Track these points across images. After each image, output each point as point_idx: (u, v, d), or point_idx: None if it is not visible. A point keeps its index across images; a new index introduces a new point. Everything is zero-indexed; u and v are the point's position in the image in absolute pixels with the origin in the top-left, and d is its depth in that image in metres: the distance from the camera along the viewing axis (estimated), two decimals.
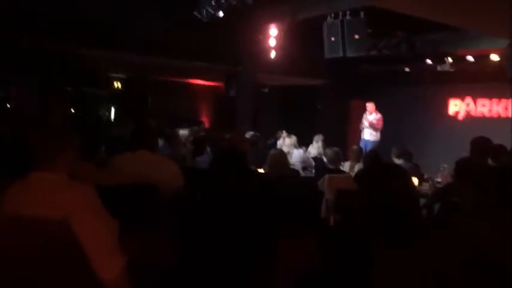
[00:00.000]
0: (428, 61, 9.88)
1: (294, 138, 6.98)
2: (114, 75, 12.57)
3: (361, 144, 9.53)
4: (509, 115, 10.41)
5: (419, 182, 5.66)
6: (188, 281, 2.27)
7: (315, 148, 7.04)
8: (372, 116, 9.63)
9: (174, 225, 2.68)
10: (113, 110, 12.86)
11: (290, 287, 2.27)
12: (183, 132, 6.65)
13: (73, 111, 11.35)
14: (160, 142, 5.78)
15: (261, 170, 5.00)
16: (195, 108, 13.86)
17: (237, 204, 2.22)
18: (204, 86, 13.84)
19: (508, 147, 5.09)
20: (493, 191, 1.55)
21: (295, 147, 6.88)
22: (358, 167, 6.40)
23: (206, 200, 2.29)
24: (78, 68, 10.50)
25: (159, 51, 8.73)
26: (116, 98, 12.76)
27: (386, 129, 9.79)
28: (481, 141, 4.55)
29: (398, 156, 6.33)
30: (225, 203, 2.23)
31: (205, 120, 13.42)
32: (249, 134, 6.56)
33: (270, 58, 9.66)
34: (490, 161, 4.52)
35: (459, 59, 9.42)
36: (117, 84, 12.78)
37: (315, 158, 6.68)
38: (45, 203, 1.85)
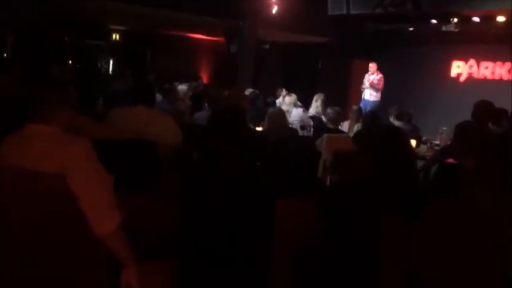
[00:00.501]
0: (434, 21, 9.66)
1: (293, 97, 6.91)
2: (114, 26, 12.34)
3: (362, 105, 9.48)
4: None
5: (417, 144, 5.66)
6: (185, 240, 2.29)
7: (313, 107, 6.98)
8: (373, 76, 9.53)
9: (172, 183, 2.69)
10: (111, 62, 12.70)
11: (289, 250, 2.29)
12: (182, 87, 6.58)
13: (71, 62, 11.21)
14: (159, 97, 5.73)
15: (259, 128, 4.99)
16: (195, 63, 13.68)
17: (234, 163, 2.22)
18: (204, 41, 13.61)
19: (509, 110, 5.07)
20: (494, 156, 1.53)
21: (295, 106, 6.83)
22: (357, 127, 6.38)
23: (203, 158, 2.28)
24: (77, 18, 10.29)
25: (160, 3, 8.52)
26: (114, 50, 12.57)
27: (387, 90, 9.71)
28: (484, 104, 4.50)
29: (397, 118, 6.29)
30: (222, 163, 2.22)
31: (205, 76, 13.28)
32: (248, 92, 6.49)
33: (272, 13, 9.46)
34: (490, 125, 4.51)
35: (465, 20, 9.20)
36: (116, 36, 12.56)
37: (313, 117, 6.64)
38: (40, 156, 1.84)
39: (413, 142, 5.50)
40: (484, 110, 4.44)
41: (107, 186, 1.86)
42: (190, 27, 11.63)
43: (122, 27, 12.45)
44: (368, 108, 8.72)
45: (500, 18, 8.47)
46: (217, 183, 2.20)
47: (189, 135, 3.42)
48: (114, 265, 1.96)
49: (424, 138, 6.13)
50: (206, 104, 5.56)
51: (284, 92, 8.88)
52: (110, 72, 12.49)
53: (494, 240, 1.47)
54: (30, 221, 1.84)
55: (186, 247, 2.26)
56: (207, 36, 13.22)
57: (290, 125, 5.73)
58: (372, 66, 9.59)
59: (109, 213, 1.84)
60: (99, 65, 12.47)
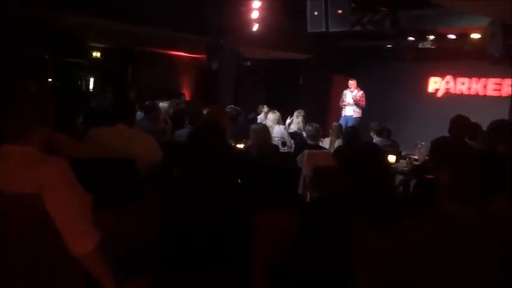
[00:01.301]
0: (411, 38, 9.89)
1: (277, 114, 6.98)
2: (94, 44, 12.31)
3: (342, 121, 9.59)
4: (488, 93, 10.58)
5: (397, 159, 5.73)
6: (166, 256, 2.29)
7: (294, 124, 7.05)
8: (354, 92, 9.65)
9: (152, 200, 2.68)
10: (91, 80, 12.63)
11: (267, 263, 2.30)
12: (163, 105, 6.58)
13: (50, 80, 11.12)
14: (140, 114, 5.72)
15: (240, 145, 5.01)
16: (177, 80, 13.70)
17: (214, 180, 2.23)
18: (186, 58, 13.65)
19: (485, 125, 5.17)
20: (467, 171, 1.58)
21: (278, 123, 6.89)
22: (338, 143, 6.45)
23: (182, 175, 2.28)
24: (57, 36, 10.24)
25: (141, 20, 8.55)
26: (95, 67, 12.52)
27: (366, 106, 9.86)
28: (460, 120, 4.62)
29: (377, 133, 6.38)
30: (201, 180, 2.23)
31: (187, 93, 13.29)
32: (229, 108, 6.52)
33: (253, 31, 9.56)
34: (467, 140, 4.60)
35: (440, 37, 9.45)
36: (97, 54, 12.52)
37: (294, 134, 6.69)
38: (16, 177, 1.82)
39: (392, 157, 5.59)
40: (460, 125, 4.55)
41: (83, 206, 1.85)
42: (171, 44, 11.66)
43: (102, 45, 12.42)
44: (350, 124, 8.83)
45: (475, 35, 8.70)
46: (196, 200, 2.20)
47: (170, 153, 3.42)
48: (93, 285, 1.95)
49: (403, 153, 6.22)
50: (187, 122, 5.57)
51: (265, 108, 8.95)
52: (90, 90, 12.42)
53: (465, 250, 1.51)
54: (6, 241, 1.82)
55: (166, 263, 2.26)
56: (189, 53, 13.27)
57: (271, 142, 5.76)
58: (352, 82, 9.73)
59: (85, 234, 1.82)
60: (79, 82, 12.39)
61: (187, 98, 12.49)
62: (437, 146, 2.88)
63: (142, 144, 3.36)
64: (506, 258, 1.58)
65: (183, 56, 13.52)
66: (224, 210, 2.21)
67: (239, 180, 2.67)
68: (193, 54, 13.15)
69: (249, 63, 12.02)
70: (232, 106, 6.83)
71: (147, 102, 6.22)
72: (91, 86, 12.64)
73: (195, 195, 2.24)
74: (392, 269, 1.64)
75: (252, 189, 2.88)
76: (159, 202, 2.41)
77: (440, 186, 1.66)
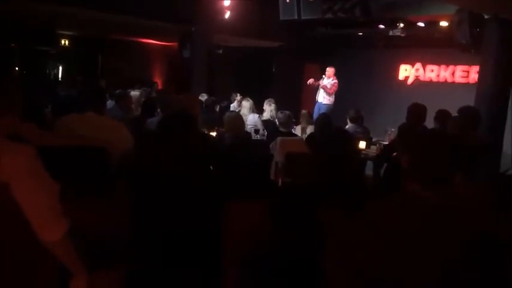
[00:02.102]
0: (381, 26, 10.00)
1: (251, 102, 6.99)
2: (63, 32, 12.03)
3: (315, 108, 9.65)
4: (456, 80, 10.82)
5: (368, 145, 5.82)
6: (137, 246, 2.28)
7: (267, 112, 7.07)
8: (328, 80, 9.67)
9: (123, 189, 2.66)
10: (60, 68, 12.37)
11: (240, 251, 2.31)
12: (135, 93, 6.50)
13: (18, 68, 10.85)
14: (111, 103, 5.64)
15: (213, 133, 5.00)
16: (148, 68, 13.54)
17: (184, 168, 2.22)
18: (157, 46, 13.49)
19: (454, 112, 5.30)
20: (424, 154, 1.63)
21: (252, 111, 6.90)
22: (309, 129, 6.51)
23: (153, 163, 2.27)
24: (23, 23, 9.96)
25: (111, 8, 8.38)
26: (64, 56, 12.26)
27: (337, 92, 9.93)
28: (416, 108, 4.83)
29: (351, 120, 6.45)
30: (172, 168, 2.22)
31: (159, 82, 13.15)
32: (202, 96, 6.50)
33: (225, 18, 9.51)
34: (437, 126, 4.72)
35: (410, 25, 9.59)
36: (66, 42, 12.26)
37: (267, 121, 6.72)
38: None
39: (363, 143, 5.68)
40: (417, 112, 4.78)
41: (51, 195, 1.83)
42: (142, 32, 11.50)
43: (71, 33, 12.15)
44: (322, 111, 8.88)
45: (443, 23, 8.86)
46: (167, 188, 2.19)
47: (141, 141, 3.39)
48: (65, 275, 1.93)
49: (373, 140, 6.31)
50: (158, 110, 5.52)
51: (239, 96, 8.93)
52: (59, 79, 12.16)
53: (429, 231, 1.56)
54: None
55: (138, 253, 2.25)
56: (160, 41, 13.11)
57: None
58: (329, 70, 9.67)
59: (54, 222, 1.81)
60: (47, 71, 12.12)
61: (160, 86, 12.37)
62: (402, 132, 2.95)
63: (113, 132, 3.32)
64: (468, 238, 1.64)
65: (154, 44, 13.35)
66: (196, 198, 2.21)
67: (211, 168, 2.67)
68: (165, 42, 13.00)
69: (221, 51, 11.97)
70: (205, 94, 6.80)
71: (117, 91, 6.13)
72: (60, 75, 12.38)
73: (166, 185, 2.24)
74: (361, 255, 1.68)
75: (224, 176, 2.89)
76: (129, 192, 2.39)
77: (403, 170, 1.70)
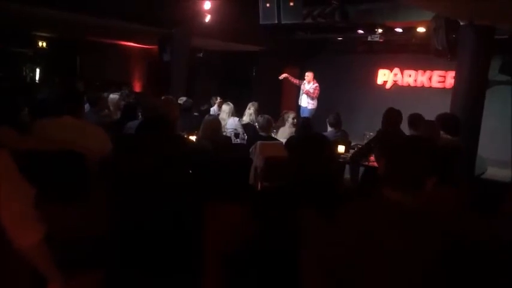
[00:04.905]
0: (360, 31, 10.13)
1: (231, 106, 6.99)
2: (40, 33, 11.86)
3: (300, 112, 9.71)
4: (433, 85, 11.02)
5: (346, 149, 5.88)
6: (115, 249, 2.26)
7: (247, 115, 7.08)
8: (309, 85, 9.74)
9: (101, 192, 2.64)
10: (37, 70, 12.19)
11: (220, 254, 2.32)
12: (113, 96, 6.43)
13: None
14: (88, 107, 5.58)
15: (192, 137, 4.99)
16: (128, 71, 13.44)
17: (163, 172, 2.22)
18: (137, 48, 13.40)
19: (428, 116, 5.40)
20: (402, 158, 1.67)
21: (232, 114, 6.89)
22: (290, 133, 6.53)
23: (131, 167, 2.26)
24: (0, 24, 9.80)
25: (90, 10, 8.30)
26: (41, 58, 12.08)
27: (318, 97, 10.01)
28: (390, 113, 4.95)
29: (330, 124, 6.50)
30: (150, 172, 2.22)
31: (138, 85, 13.06)
32: (181, 100, 6.47)
33: (205, 22, 9.50)
34: (411, 131, 4.80)
35: (388, 30, 9.74)
36: (43, 44, 12.08)
37: (247, 125, 6.73)
38: None
39: (341, 147, 5.73)
40: (391, 117, 4.88)
41: (26, 199, 1.80)
42: (121, 35, 11.41)
43: (48, 34, 11.98)
44: (305, 115, 8.95)
45: (421, 29, 9.02)
46: (145, 191, 2.19)
47: (119, 145, 3.37)
48: (40, 281, 1.91)
49: (352, 144, 6.37)
50: (140, 114, 5.48)
51: (218, 99, 8.93)
52: (36, 81, 11.98)
53: (404, 235, 1.59)
54: None
55: (116, 255, 2.24)
56: (140, 44, 13.03)
57: (224, 133, 5.78)
58: (309, 75, 9.76)
59: (29, 226, 1.78)
60: (23, 73, 11.92)
61: (139, 89, 12.28)
62: (378, 136, 2.99)
63: (91, 136, 3.29)
64: (440, 241, 1.67)
65: (134, 46, 13.26)
66: (174, 201, 2.21)
67: (189, 171, 2.67)
68: (144, 45, 12.92)
69: (201, 55, 11.95)
70: (184, 98, 6.78)
71: (93, 94, 6.07)
72: (37, 77, 12.19)
73: (144, 188, 2.23)
74: (333, 256, 1.70)
75: (203, 180, 2.89)
76: (107, 196, 2.38)
77: (380, 175, 1.74)
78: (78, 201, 2.68)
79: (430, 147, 1.68)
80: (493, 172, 6.09)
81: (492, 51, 6.57)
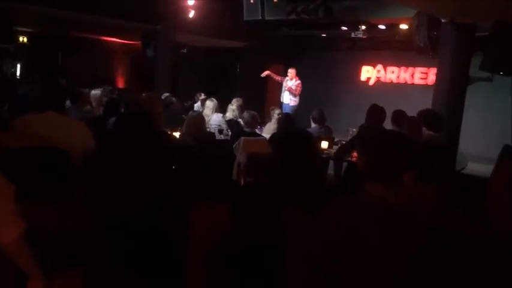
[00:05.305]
0: (344, 27, 10.18)
1: (214, 102, 6.98)
2: (21, 28, 11.67)
3: (282, 108, 9.73)
4: (415, 82, 11.14)
5: (330, 145, 5.92)
6: (97, 246, 2.25)
7: (230, 111, 7.08)
8: (292, 81, 9.76)
9: (85, 189, 2.63)
10: (18, 66, 12.00)
11: (204, 251, 2.32)
12: (95, 92, 6.38)
13: None
14: (69, 102, 5.52)
15: (176, 133, 4.98)
16: (111, 67, 13.31)
17: (146, 169, 2.22)
18: (120, 44, 13.28)
19: (411, 112, 5.46)
20: (379, 153, 1.69)
21: (216, 111, 6.89)
22: (274, 129, 6.55)
23: (114, 163, 2.25)
24: None
25: (72, 5, 8.19)
26: (22, 53, 11.89)
27: (302, 93, 10.05)
28: (373, 109, 5.01)
29: (314, 120, 6.53)
30: (134, 169, 2.21)
31: (122, 81, 12.96)
32: (164, 96, 6.45)
33: (189, 18, 9.46)
34: (394, 127, 4.85)
35: (372, 27, 9.81)
36: (24, 39, 11.90)
37: (231, 121, 6.73)
38: None
39: (325, 143, 5.77)
40: (375, 114, 4.95)
41: (5, 196, 1.78)
42: (104, 30, 11.30)
43: (30, 30, 11.81)
44: (287, 112, 8.95)
45: (403, 26, 9.10)
46: (128, 186, 2.18)
47: (102, 140, 3.34)
48: (21, 277, 1.90)
49: (336, 139, 6.42)
50: (123, 110, 5.44)
51: (202, 96, 8.90)
52: (17, 77, 11.80)
53: (381, 229, 1.61)
54: None
55: (101, 253, 2.23)
56: (123, 39, 12.91)
57: (208, 129, 5.78)
58: (291, 71, 9.78)
59: (8, 222, 1.76)
60: (4, 69, 11.74)
61: (123, 85, 12.19)
62: (360, 132, 3.02)
63: (73, 132, 3.26)
64: (423, 236, 1.70)
65: (117, 42, 13.14)
66: (158, 197, 2.21)
67: (173, 167, 2.67)
68: (128, 40, 12.82)
69: (185, 51, 11.89)
70: (167, 94, 6.75)
71: (74, 90, 6.00)
72: (18, 73, 12.01)
73: (128, 184, 2.22)
74: (319, 252, 1.71)
75: (187, 176, 2.89)
76: (92, 193, 2.36)
77: (360, 170, 1.76)
78: (63, 198, 2.67)
79: (407, 142, 1.71)
80: (474, 167, 6.18)
81: (473, 48, 6.67)
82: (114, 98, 5.91)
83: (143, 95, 4.22)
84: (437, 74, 7.08)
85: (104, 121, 4.67)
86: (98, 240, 2.25)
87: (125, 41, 13.02)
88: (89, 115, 5.46)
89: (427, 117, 4.78)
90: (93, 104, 6.19)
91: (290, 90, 9.66)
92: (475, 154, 7.43)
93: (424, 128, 4.59)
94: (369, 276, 1.64)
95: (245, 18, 8.60)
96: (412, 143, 1.77)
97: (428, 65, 10.29)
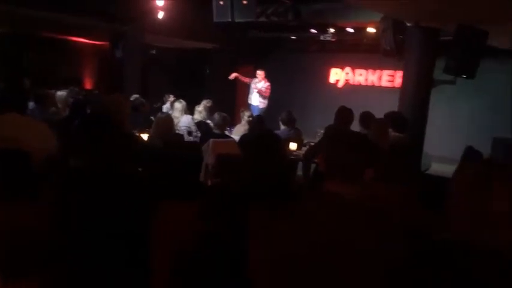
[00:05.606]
0: (313, 30, 10.30)
1: (183, 103, 6.94)
2: None
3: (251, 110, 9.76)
4: (382, 84, 11.36)
5: (299, 147, 5.97)
6: (63, 249, 2.22)
7: (197, 113, 7.05)
8: (261, 83, 9.80)
9: (48, 191, 2.58)
10: None
11: (170, 253, 2.31)
12: (61, 93, 6.26)
13: None
14: (33, 104, 5.41)
15: (144, 135, 4.93)
16: (79, 68, 13.07)
17: (113, 171, 2.19)
18: (88, 44, 13.05)
19: (378, 114, 5.57)
20: (336, 152, 1.73)
21: (185, 112, 6.85)
22: (244, 131, 6.57)
23: (77, 164, 2.22)
24: None
25: (38, 3, 8.01)
26: None
27: (271, 95, 10.11)
28: (342, 111, 5.10)
29: (283, 122, 6.57)
30: (100, 170, 2.18)
31: (89, 82, 12.75)
32: (133, 97, 6.39)
33: (158, 19, 9.39)
34: (362, 129, 4.94)
35: (340, 30, 9.96)
36: None
37: (200, 123, 6.71)
38: None
39: (293, 145, 5.82)
40: (343, 115, 5.05)
41: None
42: (71, 30, 11.10)
43: None
44: (256, 114, 8.98)
45: (371, 29, 9.28)
46: (94, 188, 2.15)
47: (67, 142, 3.28)
48: None
49: (305, 141, 6.48)
50: (89, 111, 5.36)
51: (172, 97, 8.84)
52: None
53: (348, 226, 1.64)
54: None
55: (66, 256, 2.19)
56: (91, 40, 12.70)
57: (177, 131, 5.74)
58: (260, 73, 9.83)
59: None
60: None
61: (91, 86, 11.99)
62: (326, 132, 3.06)
63: (36, 133, 3.19)
64: (386, 233, 1.73)
65: (85, 42, 12.92)
66: (124, 198, 2.18)
67: (140, 169, 2.65)
68: (96, 41, 12.61)
69: (154, 52, 11.80)
70: (136, 95, 6.69)
71: (38, 91, 5.88)
72: None
73: (93, 185, 2.19)
74: (285, 252, 1.73)
75: (154, 178, 2.87)
76: (56, 195, 2.32)
77: (321, 170, 1.79)
78: (26, 201, 2.61)
79: (366, 141, 1.75)
80: (438, 168, 6.34)
81: (437, 52, 6.84)
82: (79, 99, 5.82)
83: (110, 95, 4.17)
84: (403, 77, 7.23)
85: (69, 122, 4.59)
86: (63, 242, 2.21)
87: (93, 42, 12.81)
88: (54, 117, 5.35)
89: (393, 119, 4.88)
90: (59, 105, 6.07)
91: (260, 92, 9.70)
92: (439, 155, 7.61)
93: (390, 130, 4.68)
94: (333, 274, 1.67)
95: (215, 19, 8.59)
96: (373, 143, 1.81)
97: (395, 68, 10.50)
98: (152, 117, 5.72)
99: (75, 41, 12.72)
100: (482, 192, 1.45)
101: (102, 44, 12.04)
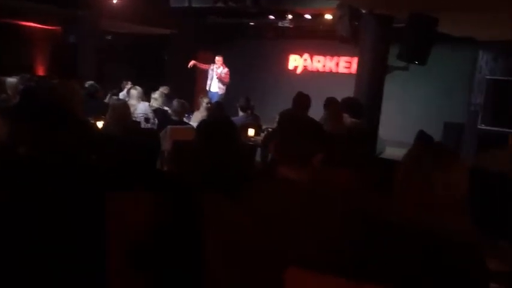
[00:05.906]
0: (271, 16, 10.31)
1: (139, 90, 6.80)
2: None
3: (209, 96, 9.69)
4: (339, 71, 11.53)
5: (257, 133, 6.00)
6: (12, 241, 2.16)
7: (152, 100, 6.95)
8: (220, 69, 9.74)
9: None
10: None
11: (124, 244, 2.29)
12: (11, 80, 6.03)
13: None
14: None
15: (100, 122, 4.84)
16: (30, 54, 12.57)
17: (66, 159, 2.15)
18: (38, 29, 12.56)
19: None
20: (285, 136, 1.76)
21: (142, 99, 6.73)
22: (202, 117, 6.54)
23: (33, 155, 2.16)
24: None
25: None
26: None
27: (230, 82, 10.08)
28: (298, 97, 5.17)
29: (241, 109, 6.58)
30: (52, 159, 2.13)
31: (42, 68, 12.31)
32: (88, 84, 6.24)
33: (113, 3, 9.17)
34: (325, 113, 5.02)
35: (298, 16, 10.01)
36: None
37: (157, 110, 6.62)
38: None
39: (251, 131, 5.85)
40: (300, 101, 5.12)
41: None
42: (20, 14, 10.66)
43: None
44: (214, 100, 8.94)
45: (328, 16, 9.37)
46: (46, 177, 2.11)
47: (19, 130, 3.18)
48: None
49: (264, 127, 6.52)
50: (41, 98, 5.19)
51: (129, 84, 8.68)
52: None
53: (300, 210, 1.68)
54: None
55: (13, 248, 2.14)
56: (42, 24, 12.24)
57: (134, 118, 5.66)
58: (219, 59, 9.76)
59: None
60: None
61: (43, 73, 11.59)
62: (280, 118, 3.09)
63: None
64: (340, 217, 1.78)
65: (35, 27, 12.43)
66: (79, 190, 2.14)
67: (94, 157, 2.61)
68: (47, 26, 12.17)
69: (110, 38, 11.52)
70: (91, 82, 6.53)
71: None
72: None
73: (45, 174, 2.14)
74: (237, 237, 1.75)
75: (110, 166, 2.83)
76: (4, 184, 2.25)
77: (272, 154, 1.83)
78: None
79: (316, 127, 1.79)
80: (392, 152, 6.52)
81: (391, 39, 6.99)
82: (30, 86, 5.64)
83: (63, 82, 4.05)
84: (358, 63, 7.36)
85: (20, 109, 4.45)
86: (13, 230, 2.15)
87: (45, 26, 12.35)
88: (4, 104, 5.17)
89: (349, 104, 4.98)
90: (9, 92, 5.86)
91: (220, 78, 9.64)
92: (393, 139, 7.83)
93: (346, 115, 4.77)
94: (288, 258, 1.70)
95: (171, 4, 8.49)
96: (319, 127, 1.85)
97: (352, 55, 10.65)
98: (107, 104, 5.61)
99: (27, 26, 12.22)
100: (423, 176, 1.53)
101: (54, 29, 11.65)
